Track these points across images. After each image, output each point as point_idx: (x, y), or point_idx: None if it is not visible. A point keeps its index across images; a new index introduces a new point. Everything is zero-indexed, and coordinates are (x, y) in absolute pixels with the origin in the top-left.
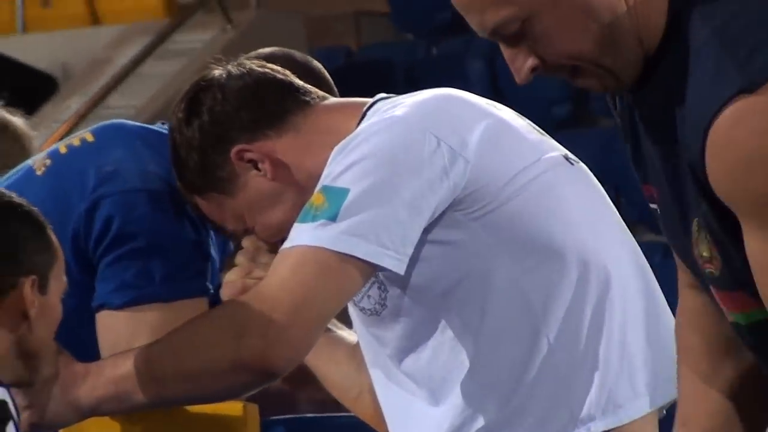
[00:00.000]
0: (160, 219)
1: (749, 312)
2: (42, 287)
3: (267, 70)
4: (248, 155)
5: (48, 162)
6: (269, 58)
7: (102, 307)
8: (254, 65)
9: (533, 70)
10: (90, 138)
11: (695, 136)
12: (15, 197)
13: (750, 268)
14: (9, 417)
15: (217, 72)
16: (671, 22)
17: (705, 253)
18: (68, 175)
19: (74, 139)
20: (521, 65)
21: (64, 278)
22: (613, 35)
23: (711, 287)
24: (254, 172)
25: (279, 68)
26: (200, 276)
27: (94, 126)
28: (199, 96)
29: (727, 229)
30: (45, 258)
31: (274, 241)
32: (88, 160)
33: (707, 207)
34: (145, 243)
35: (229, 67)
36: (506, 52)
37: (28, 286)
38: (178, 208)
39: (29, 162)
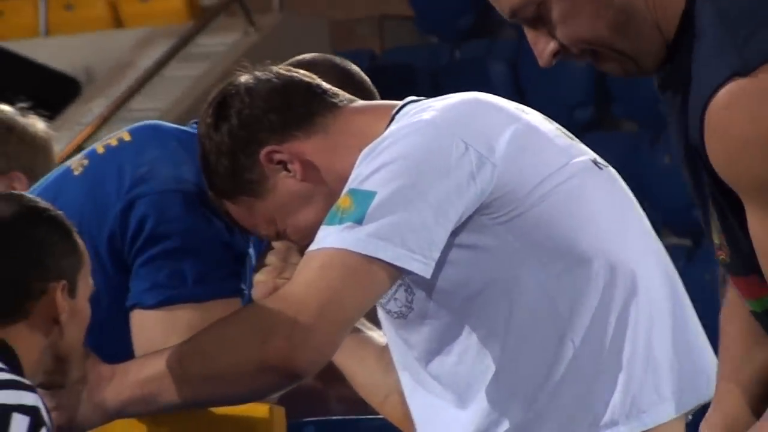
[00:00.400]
0: (194, 220)
1: (763, 297)
2: (71, 291)
3: (293, 73)
4: (278, 156)
5: (85, 162)
6: (309, 64)
7: (135, 306)
8: (280, 69)
9: (555, 54)
10: (127, 137)
11: (695, 118)
12: (40, 202)
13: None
14: (42, 423)
15: (243, 77)
16: (688, 7)
17: (716, 240)
18: (105, 176)
19: (112, 139)
20: (543, 48)
21: (91, 281)
22: (628, 20)
23: (728, 274)
24: (284, 173)
25: (305, 72)
26: (233, 276)
27: (132, 126)
28: (226, 100)
29: (734, 212)
30: (72, 262)
31: (306, 243)
32: (125, 161)
33: (716, 190)
34: (179, 243)
35: (255, 72)
36: (529, 34)
37: (58, 291)
38: (212, 209)
39: (67, 163)
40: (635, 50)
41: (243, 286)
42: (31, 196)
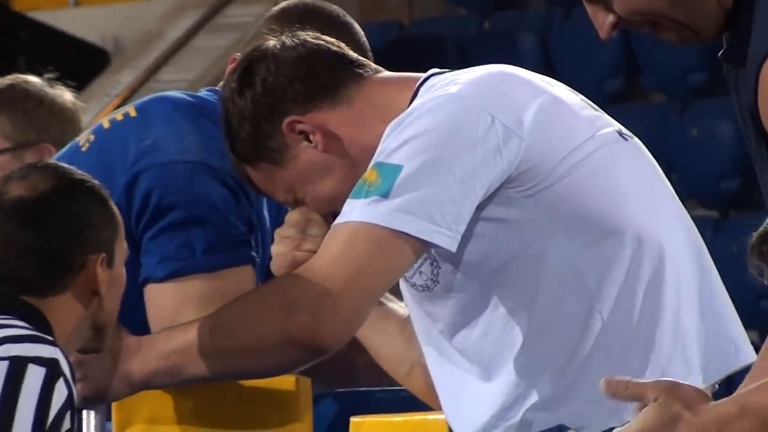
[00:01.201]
0: (199, 190)
1: None
2: (109, 261)
3: (321, 42)
4: (300, 127)
5: (92, 138)
6: (284, 13)
7: (147, 280)
8: (308, 36)
9: (614, 26)
10: (133, 113)
11: (751, 79)
12: (76, 173)
13: None
14: (60, 374)
15: (271, 42)
16: None
17: None
18: (110, 150)
19: (118, 114)
20: (602, 22)
21: (125, 245)
22: None
23: None
24: (305, 143)
25: (333, 40)
26: (243, 244)
27: (139, 101)
28: (252, 66)
29: None
30: (110, 232)
31: (324, 212)
32: (128, 135)
33: None
34: (186, 214)
35: (283, 37)
36: (588, 8)
37: (97, 264)
38: (217, 178)
39: (77, 138)
40: (692, 20)
41: (254, 254)
42: (66, 166)
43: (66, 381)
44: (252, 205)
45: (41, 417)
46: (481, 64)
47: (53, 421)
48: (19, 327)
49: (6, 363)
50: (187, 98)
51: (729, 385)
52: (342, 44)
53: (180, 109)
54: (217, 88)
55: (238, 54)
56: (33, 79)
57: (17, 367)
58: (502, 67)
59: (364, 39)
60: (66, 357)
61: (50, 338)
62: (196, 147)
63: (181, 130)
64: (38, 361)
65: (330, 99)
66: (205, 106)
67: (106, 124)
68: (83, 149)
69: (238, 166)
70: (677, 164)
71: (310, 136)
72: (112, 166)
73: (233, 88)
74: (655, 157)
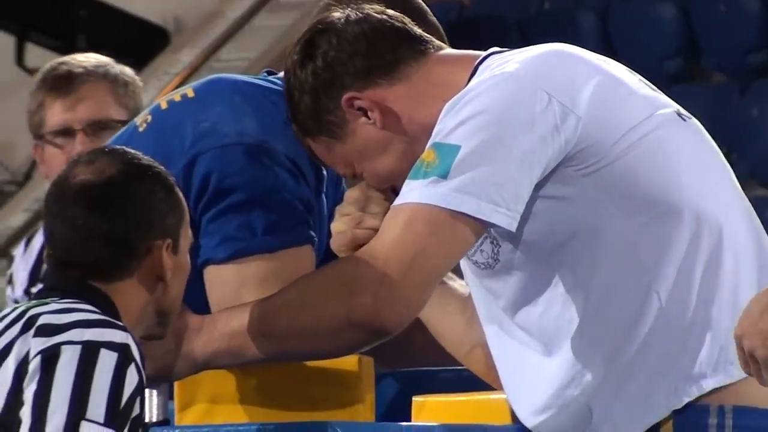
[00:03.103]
0: (258, 171)
1: None
2: (174, 248)
3: (384, 17)
4: (358, 103)
5: (149, 119)
6: None
7: (207, 262)
8: (373, 11)
9: None
10: (191, 94)
11: None
12: (143, 158)
13: None
14: (131, 360)
15: (336, 15)
16: None
17: None
18: (167, 132)
19: (176, 95)
20: None
21: (190, 232)
22: None
23: None
24: (364, 119)
25: (398, 15)
26: (302, 224)
27: (197, 82)
28: (314, 39)
29: None
30: (176, 218)
31: (382, 188)
32: (186, 117)
33: None
34: (245, 196)
35: (348, 11)
36: None
37: (163, 250)
38: (275, 160)
39: (135, 119)
40: None
41: (313, 233)
42: (132, 151)
43: (137, 366)
44: (309, 186)
45: (114, 401)
46: (541, 44)
47: (125, 405)
48: (88, 311)
49: (79, 347)
50: (246, 80)
51: None
52: (407, 19)
53: (238, 91)
54: (273, 69)
55: None
56: (106, 58)
57: (90, 352)
58: (559, 45)
59: (427, 9)
60: (136, 342)
61: (120, 323)
62: (254, 128)
63: (239, 112)
64: (110, 346)
65: (389, 76)
66: (265, 87)
67: (163, 105)
68: (140, 130)
69: (299, 138)
70: (738, 144)
71: (369, 113)
72: (170, 148)
73: (295, 60)
74: (715, 138)
